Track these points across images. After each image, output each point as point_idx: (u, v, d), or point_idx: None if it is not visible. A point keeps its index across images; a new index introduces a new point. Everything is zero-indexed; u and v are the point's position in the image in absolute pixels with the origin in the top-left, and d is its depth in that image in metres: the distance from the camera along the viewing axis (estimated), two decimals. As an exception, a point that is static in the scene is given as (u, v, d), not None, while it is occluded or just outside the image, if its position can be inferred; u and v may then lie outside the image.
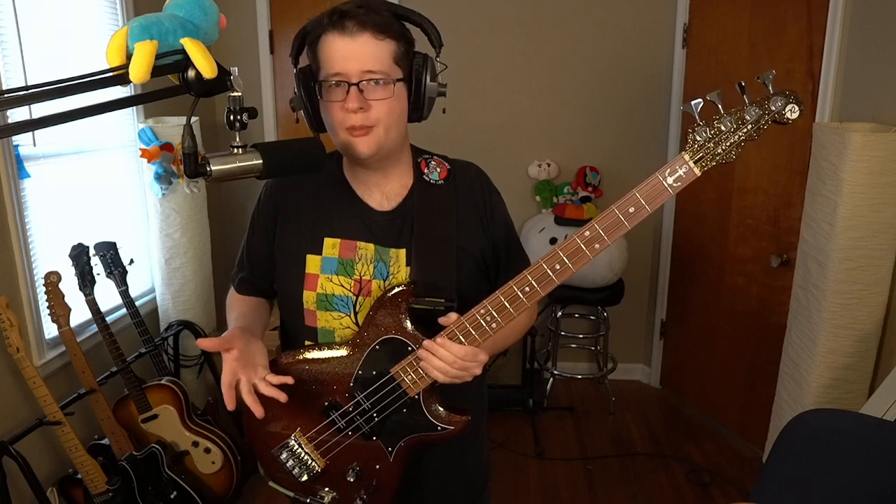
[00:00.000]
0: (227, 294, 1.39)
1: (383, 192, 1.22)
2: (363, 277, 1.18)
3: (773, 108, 0.94)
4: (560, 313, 3.49)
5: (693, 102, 0.95)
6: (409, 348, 1.11)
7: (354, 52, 1.08)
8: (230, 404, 1.08)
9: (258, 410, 1.09)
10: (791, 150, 2.68)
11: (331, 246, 1.20)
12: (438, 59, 1.17)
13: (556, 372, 3.53)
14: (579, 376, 3.68)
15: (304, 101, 1.15)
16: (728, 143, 0.95)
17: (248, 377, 1.08)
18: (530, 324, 1.32)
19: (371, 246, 1.19)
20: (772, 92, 0.94)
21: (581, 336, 3.65)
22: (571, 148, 3.50)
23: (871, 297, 2.12)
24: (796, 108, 0.93)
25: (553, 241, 3.18)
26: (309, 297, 1.19)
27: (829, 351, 2.17)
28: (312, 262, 1.20)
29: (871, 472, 1.22)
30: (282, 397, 1.09)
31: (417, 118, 1.18)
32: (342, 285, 1.18)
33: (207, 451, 2.43)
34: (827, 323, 2.15)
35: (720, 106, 0.95)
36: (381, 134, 1.12)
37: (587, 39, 3.38)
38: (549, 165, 3.49)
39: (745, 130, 0.94)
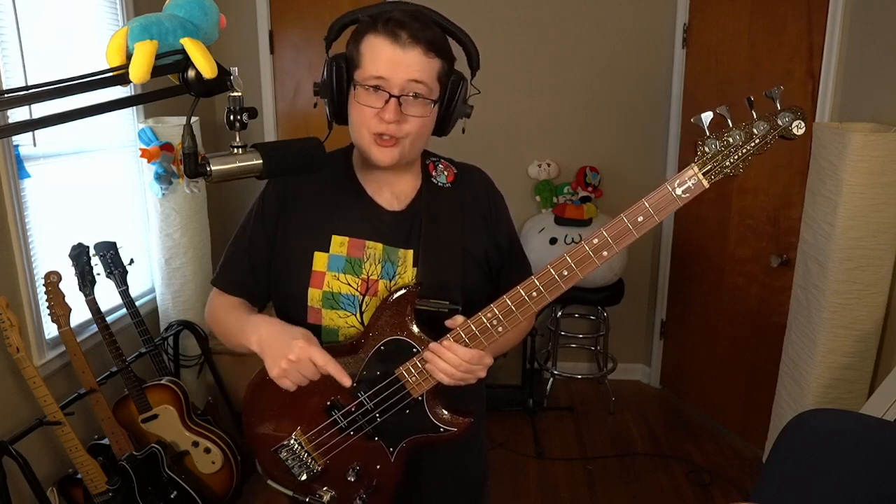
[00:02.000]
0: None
1: (393, 191, 1.22)
2: (370, 277, 1.18)
3: (781, 124, 0.95)
4: (560, 313, 3.49)
5: (703, 115, 0.96)
6: (415, 350, 1.11)
7: (403, 64, 1.07)
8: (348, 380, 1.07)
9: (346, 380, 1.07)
10: (791, 150, 2.68)
11: (339, 244, 1.19)
12: (472, 83, 1.17)
13: (556, 372, 3.53)
14: (579, 376, 3.68)
15: (333, 89, 1.13)
16: (736, 157, 0.96)
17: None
18: (530, 327, 1.32)
19: (380, 245, 1.18)
20: (779, 108, 0.95)
21: (581, 336, 3.65)
22: (571, 148, 3.50)
23: (871, 297, 2.12)
24: (802, 124, 0.95)
25: (553, 241, 3.18)
26: (314, 295, 1.18)
27: (829, 351, 2.17)
28: (319, 260, 1.19)
29: (871, 472, 1.22)
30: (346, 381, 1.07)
31: (439, 133, 1.19)
32: (349, 284, 1.18)
33: (207, 451, 2.43)
34: (827, 323, 2.15)
35: (729, 119, 0.96)
36: (406, 147, 1.13)
37: (587, 39, 3.38)
38: (549, 165, 3.49)
39: (753, 144, 0.95)
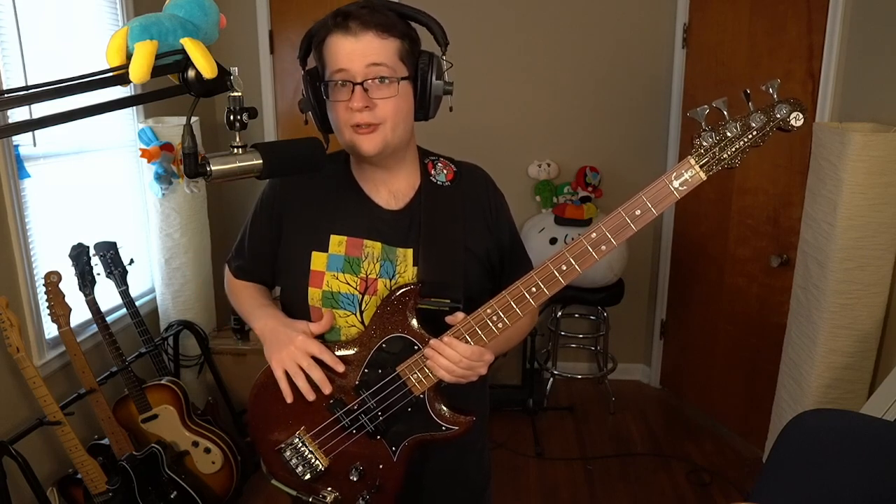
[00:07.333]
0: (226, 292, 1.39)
1: (391, 190, 1.22)
2: (369, 276, 1.18)
3: (779, 116, 0.95)
4: (560, 313, 3.49)
5: (699, 109, 0.97)
6: (416, 347, 1.11)
7: (358, 52, 1.08)
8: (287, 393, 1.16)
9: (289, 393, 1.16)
10: (791, 150, 2.68)
11: (337, 243, 1.20)
12: (444, 58, 1.17)
13: (556, 372, 3.53)
14: (579, 376, 3.68)
15: (311, 102, 1.16)
16: (733, 149, 0.96)
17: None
18: (532, 325, 1.32)
19: (378, 244, 1.19)
20: (777, 100, 0.95)
21: (581, 336, 3.65)
22: (571, 148, 3.50)
23: (871, 297, 2.11)
24: (801, 115, 0.95)
25: (553, 241, 3.18)
26: (314, 295, 1.19)
27: (829, 351, 2.17)
28: (318, 260, 1.20)
29: (871, 472, 1.21)
30: (339, 366, 1.15)
31: (424, 117, 1.18)
32: (348, 283, 1.19)
33: (207, 451, 2.43)
34: (827, 323, 2.15)
35: (726, 112, 0.96)
36: (388, 132, 1.13)
37: (587, 40, 3.38)
38: (549, 165, 3.49)
39: (750, 137, 0.96)
